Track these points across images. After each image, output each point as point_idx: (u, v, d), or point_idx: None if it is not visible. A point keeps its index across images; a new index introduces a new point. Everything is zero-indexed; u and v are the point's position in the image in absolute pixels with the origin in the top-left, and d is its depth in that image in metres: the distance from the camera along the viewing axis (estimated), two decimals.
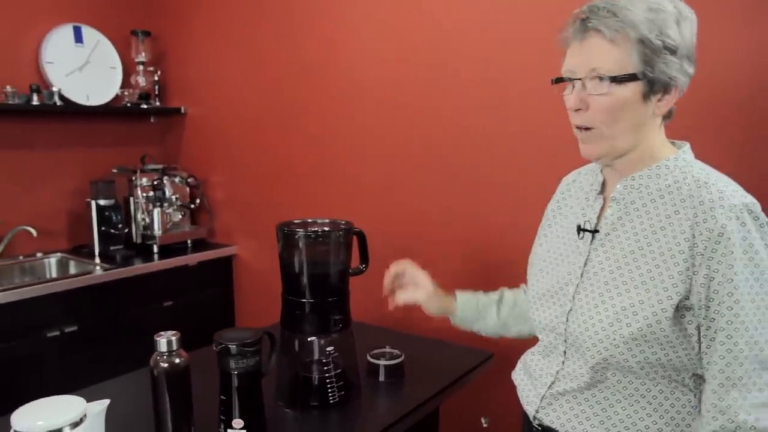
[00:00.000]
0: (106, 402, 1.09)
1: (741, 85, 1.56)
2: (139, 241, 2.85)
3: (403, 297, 1.43)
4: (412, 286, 1.44)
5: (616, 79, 0.99)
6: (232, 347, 1.22)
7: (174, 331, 1.17)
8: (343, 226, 1.46)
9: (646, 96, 1.01)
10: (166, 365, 1.15)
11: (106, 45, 2.91)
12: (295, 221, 1.49)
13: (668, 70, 1.00)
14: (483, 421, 2.20)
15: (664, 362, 1.01)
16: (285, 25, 2.58)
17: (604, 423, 1.07)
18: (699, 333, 0.99)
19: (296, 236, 1.41)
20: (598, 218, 1.13)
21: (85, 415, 1.02)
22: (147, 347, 1.20)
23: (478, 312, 1.41)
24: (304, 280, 1.42)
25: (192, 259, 2.83)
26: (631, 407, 1.05)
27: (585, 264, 1.11)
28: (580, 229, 1.14)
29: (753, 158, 1.56)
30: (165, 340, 1.15)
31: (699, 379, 1.04)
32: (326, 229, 1.46)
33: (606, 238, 1.10)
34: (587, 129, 1.04)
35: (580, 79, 1.02)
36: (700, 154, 1.11)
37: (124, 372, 1.60)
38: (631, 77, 0.99)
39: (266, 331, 1.33)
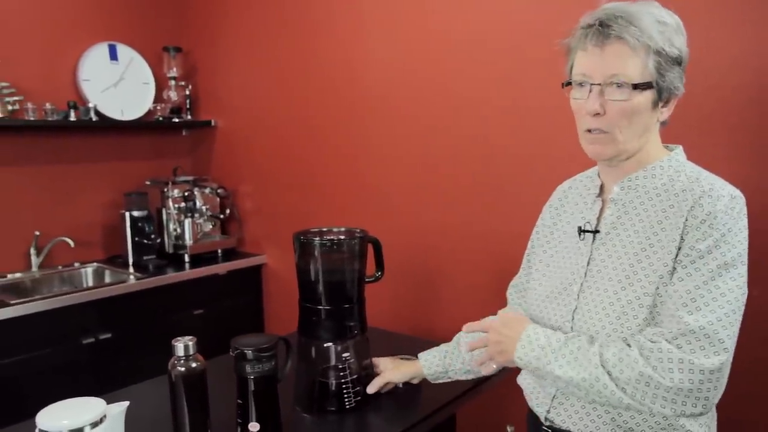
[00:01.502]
0: (126, 404, 1.14)
1: (746, 88, 1.55)
2: (171, 250, 2.94)
3: (371, 387, 1.49)
4: (379, 375, 1.52)
5: (638, 87, 1.03)
6: (248, 352, 1.26)
7: (191, 336, 1.21)
8: (358, 235, 1.49)
9: (655, 104, 1.07)
10: (183, 369, 1.19)
11: (140, 61, 3.02)
12: (312, 230, 1.52)
13: (674, 80, 1.06)
14: (508, 430, 2.19)
15: None
16: (309, 40, 2.64)
17: (615, 420, 1.09)
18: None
19: (312, 244, 1.45)
20: (598, 219, 1.17)
21: (105, 416, 1.07)
22: None
23: (443, 363, 1.48)
24: (320, 287, 1.45)
25: (222, 268, 2.90)
26: None
27: (588, 263, 1.15)
28: (581, 231, 1.18)
29: (760, 158, 1.55)
30: (182, 345, 1.19)
31: None
32: (341, 237, 1.48)
33: (607, 237, 1.14)
34: (601, 132, 1.08)
35: (598, 84, 1.05)
36: (707, 155, 1.12)
37: (156, 377, 1.65)
38: (648, 85, 1.04)
39: (282, 337, 1.37)
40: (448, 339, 1.93)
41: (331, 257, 1.46)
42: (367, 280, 1.53)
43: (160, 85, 3.08)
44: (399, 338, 1.91)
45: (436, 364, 1.48)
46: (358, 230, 1.52)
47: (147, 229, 2.86)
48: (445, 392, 1.53)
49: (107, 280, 2.77)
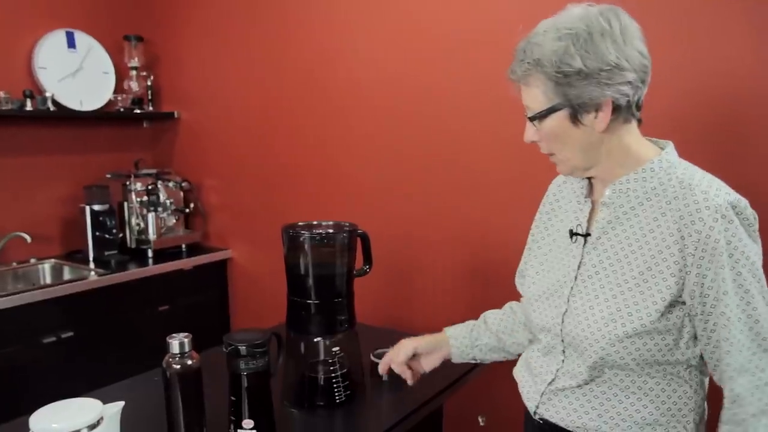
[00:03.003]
0: (121, 404, 1.10)
1: (725, 90, 1.62)
2: (133, 245, 2.85)
3: (397, 361, 1.39)
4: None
5: (535, 118, 1.07)
6: (242, 348, 1.24)
7: (186, 333, 1.18)
8: (348, 228, 1.48)
9: (574, 119, 1.04)
10: (178, 367, 1.16)
11: (99, 50, 2.91)
12: (300, 223, 1.51)
13: (584, 92, 1.01)
14: (480, 420, 2.23)
15: (658, 358, 1.05)
16: (280, 28, 2.60)
17: (602, 416, 1.10)
18: (695, 328, 1.04)
19: (301, 238, 1.43)
20: (589, 222, 1.16)
21: (102, 418, 1.03)
22: (144, 351, 1.22)
23: (470, 339, 1.39)
24: (310, 281, 1.44)
25: (187, 263, 2.83)
26: (628, 399, 1.09)
27: (578, 267, 1.14)
28: (572, 233, 1.17)
29: (737, 157, 1.61)
30: (177, 342, 1.16)
31: (695, 370, 1.09)
32: (331, 231, 1.48)
33: (598, 241, 1.13)
34: (548, 155, 1.13)
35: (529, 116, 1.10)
36: (693, 153, 1.15)
37: (122, 376, 1.61)
38: (550, 110, 1.04)
39: (274, 332, 1.35)
40: (433, 331, 1.95)
41: (320, 251, 1.45)
42: (354, 273, 1.52)
43: (121, 75, 2.98)
44: (384, 332, 1.91)
45: (464, 336, 1.38)
46: (347, 224, 1.51)
47: (108, 223, 2.76)
48: (431, 385, 1.54)
49: (66, 276, 2.67)
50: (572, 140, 1.06)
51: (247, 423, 1.26)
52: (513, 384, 1.34)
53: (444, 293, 2.22)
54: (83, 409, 1.02)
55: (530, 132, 1.11)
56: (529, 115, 1.08)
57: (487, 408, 2.15)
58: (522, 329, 1.39)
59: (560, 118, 1.04)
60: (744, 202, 1.03)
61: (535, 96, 1.05)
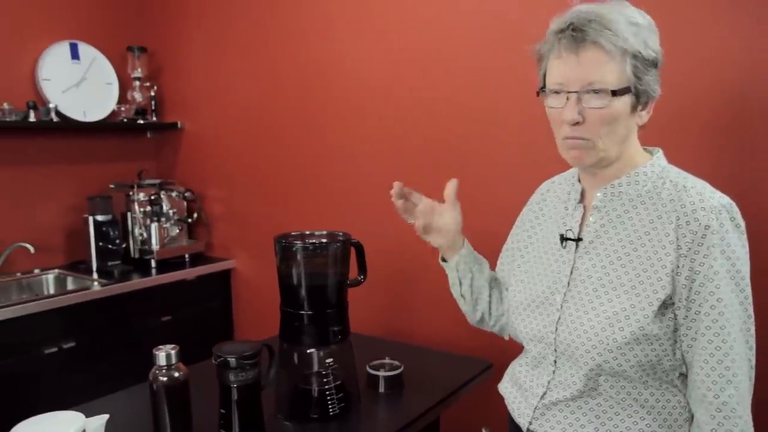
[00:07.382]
0: (105, 417, 1.09)
1: (715, 92, 1.59)
2: (136, 256, 2.85)
3: (430, 240, 1.35)
4: (436, 231, 1.34)
5: (616, 93, 1.00)
6: (231, 360, 1.22)
7: (173, 345, 1.17)
8: (341, 238, 1.47)
9: (634, 108, 1.03)
10: (165, 379, 1.15)
11: (103, 61, 2.93)
12: (293, 233, 1.49)
13: (652, 82, 1.03)
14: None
15: (654, 363, 1.02)
16: (282, 37, 2.60)
17: (599, 430, 1.07)
18: (679, 330, 1.02)
19: (294, 248, 1.42)
20: (580, 227, 1.14)
21: (84, 431, 1.02)
22: (146, 363, 1.20)
23: (471, 264, 1.35)
24: (303, 292, 1.42)
25: (190, 273, 2.82)
26: (625, 412, 1.06)
27: (571, 272, 1.11)
28: (563, 239, 1.14)
29: (727, 161, 1.58)
30: (164, 354, 1.15)
31: (686, 378, 1.06)
32: (324, 241, 1.46)
33: (590, 245, 1.11)
34: (581, 139, 1.04)
35: (575, 92, 1.01)
36: (678, 158, 1.13)
37: (123, 387, 1.59)
38: (626, 90, 1.00)
39: (265, 343, 1.33)
40: (429, 342, 1.92)
41: (313, 261, 1.44)
42: (349, 283, 1.50)
43: (124, 85, 2.99)
44: (380, 343, 1.89)
45: (473, 259, 1.35)
46: (341, 233, 1.49)
47: (112, 233, 2.76)
48: (428, 397, 1.52)
49: (70, 287, 2.67)
50: (621, 128, 1.04)
51: None
52: None
53: (439, 302, 2.19)
54: (65, 422, 1.01)
55: (576, 111, 1.01)
56: (609, 89, 0.99)
57: (483, 420, 2.11)
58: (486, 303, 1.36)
59: (627, 101, 1.02)
60: (736, 207, 1.02)
61: (614, 70, 0.99)
